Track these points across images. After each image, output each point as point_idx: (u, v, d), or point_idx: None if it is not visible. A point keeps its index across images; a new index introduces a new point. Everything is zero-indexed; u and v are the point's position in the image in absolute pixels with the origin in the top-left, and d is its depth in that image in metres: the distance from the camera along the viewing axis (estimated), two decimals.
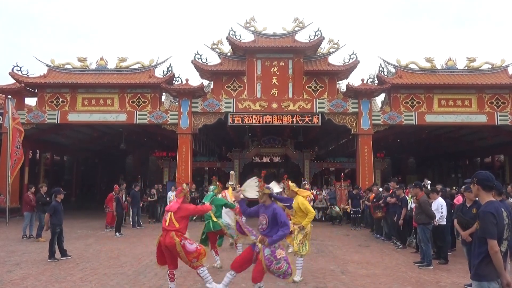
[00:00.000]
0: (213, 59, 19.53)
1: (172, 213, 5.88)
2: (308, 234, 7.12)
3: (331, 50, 19.39)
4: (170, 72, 18.91)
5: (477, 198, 4.69)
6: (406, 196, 10.92)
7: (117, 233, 13.06)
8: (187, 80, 18.93)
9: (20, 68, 18.64)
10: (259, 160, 30.77)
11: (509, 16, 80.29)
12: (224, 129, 22.23)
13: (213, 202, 7.80)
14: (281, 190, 7.83)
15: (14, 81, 18.59)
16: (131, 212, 15.51)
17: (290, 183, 7.27)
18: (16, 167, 16.35)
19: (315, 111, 18.67)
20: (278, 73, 18.97)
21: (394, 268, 8.37)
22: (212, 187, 8.72)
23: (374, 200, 12.92)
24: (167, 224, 5.84)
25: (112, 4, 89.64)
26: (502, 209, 3.47)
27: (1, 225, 14.78)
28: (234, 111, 18.73)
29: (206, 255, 5.96)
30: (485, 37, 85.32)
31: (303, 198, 7.24)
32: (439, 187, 11.03)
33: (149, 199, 17.44)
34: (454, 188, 12.30)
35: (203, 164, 24.23)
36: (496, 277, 3.36)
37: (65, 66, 19.68)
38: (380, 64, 19.20)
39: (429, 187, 11.29)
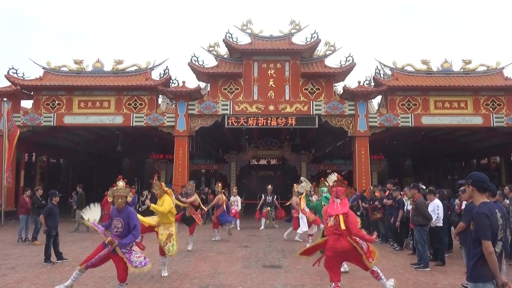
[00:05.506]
0: (210, 62, 19.62)
1: (342, 215, 5.70)
2: (174, 235, 7.52)
3: (328, 52, 19.46)
4: (167, 74, 18.88)
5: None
6: (403, 198, 10.93)
7: None
8: (183, 82, 18.92)
9: (16, 70, 18.55)
10: (256, 163, 30.75)
11: (496, 20, 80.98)
12: (221, 131, 22.21)
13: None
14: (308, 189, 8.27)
15: (10, 84, 18.50)
16: None
17: (162, 183, 7.95)
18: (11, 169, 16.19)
19: (311, 113, 18.71)
20: (275, 75, 19.00)
21: (391, 270, 8.37)
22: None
23: (371, 202, 12.90)
24: (341, 227, 5.65)
25: (108, 7, 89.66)
26: (496, 210, 3.48)
27: None
28: (231, 113, 18.73)
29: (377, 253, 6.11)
30: (475, 40, 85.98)
31: (169, 197, 7.70)
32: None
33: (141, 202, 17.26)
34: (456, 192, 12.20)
35: (200, 167, 24.22)
36: (492, 278, 3.37)
37: (61, 69, 19.62)
38: (377, 66, 19.29)
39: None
